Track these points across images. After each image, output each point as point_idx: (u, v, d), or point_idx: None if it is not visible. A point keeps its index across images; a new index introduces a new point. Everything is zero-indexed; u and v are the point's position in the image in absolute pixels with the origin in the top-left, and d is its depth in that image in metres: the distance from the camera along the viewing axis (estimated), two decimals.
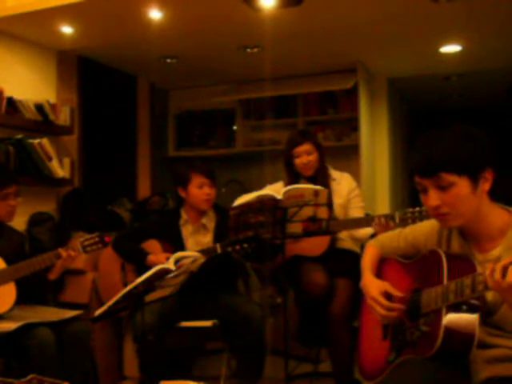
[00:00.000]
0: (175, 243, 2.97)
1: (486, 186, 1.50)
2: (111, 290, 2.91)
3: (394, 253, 1.85)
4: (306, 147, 3.01)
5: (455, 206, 1.49)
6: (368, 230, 2.83)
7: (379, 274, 1.85)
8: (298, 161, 3.02)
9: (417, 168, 1.53)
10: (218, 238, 2.99)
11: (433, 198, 1.50)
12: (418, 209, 2.62)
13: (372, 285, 1.76)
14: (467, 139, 1.50)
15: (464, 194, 1.48)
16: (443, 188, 1.48)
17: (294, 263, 2.91)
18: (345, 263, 2.92)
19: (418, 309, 1.57)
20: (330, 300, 2.79)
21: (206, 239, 3.02)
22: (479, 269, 1.46)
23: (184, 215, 3.04)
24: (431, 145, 1.52)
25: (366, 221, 2.80)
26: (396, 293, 1.68)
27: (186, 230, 3.04)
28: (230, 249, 2.74)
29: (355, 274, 2.80)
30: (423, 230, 1.75)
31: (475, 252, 1.57)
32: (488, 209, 1.53)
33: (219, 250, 2.78)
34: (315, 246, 2.89)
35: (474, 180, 1.48)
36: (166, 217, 3.16)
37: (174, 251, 2.88)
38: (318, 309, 2.83)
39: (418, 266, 1.70)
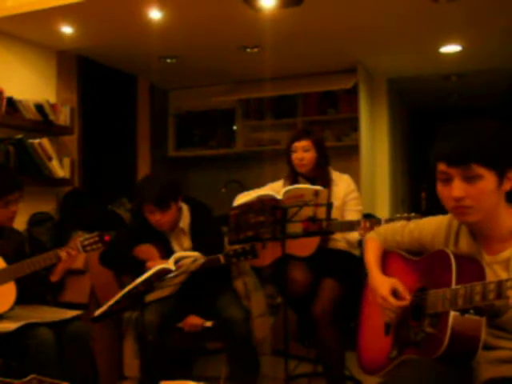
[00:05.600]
0: (163, 246, 2.94)
1: (507, 185, 1.48)
2: (106, 288, 2.90)
3: (397, 247, 1.82)
4: (303, 143, 3.01)
5: (479, 200, 1.46)
6: (357, 234, 2.81)
7: (383, 268, 1.81)
8: (294, 155, 3.03)
9: (447, 156, 1.48)
10: (194, 238, 2.94)
11: (458, 189, 1.46)
12: (405, 214, 2.63)
13: (381, 283, 1.72)
14: (503, 135, 1.48)
15: (489, 189, 1.45)
16: (470, 179, 1.44)
17: (282, 262, 2.89)
18: (334, 264, 2.90)
19: (423, 309, 1.56)
20: (314, 300, 2.78)
21: (186, 243, 2.97)
22: (487, 271, 1.45)
23: None
24: (466, 134, 1.48)
25: (353, 225, 2.79)
26: (405, 291, 1.64)
27: (169, 234, 2.97)
28: (234, 260, 2.64)
29: (344, 274, 2.83)
30: (431, 227, 1.71)
31: (483, 253, 1.55)
32: (503, 209, 1.51)
33: (222, 261, 2.64)
34: (304, 246, 2.87)
35: (501, 177, 1.46)
36: (147, 222, 2.94)
37: (164, 253, 2.87)
38: (305, 308, 2.82)
39: (424, 264, 1.67)
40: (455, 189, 1.46)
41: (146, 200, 2.81)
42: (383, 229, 1.93)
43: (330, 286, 2.81)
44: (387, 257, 1.85)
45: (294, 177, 3.07)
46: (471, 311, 1.41)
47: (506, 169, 1.46)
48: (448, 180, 1.48)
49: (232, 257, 2.64)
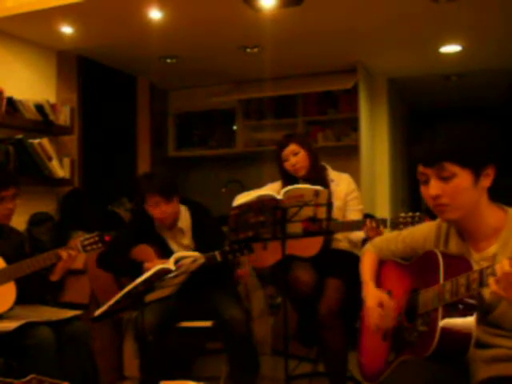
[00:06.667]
0: (160, 246, 2.95)
1: (486, 182, 1.51)
2: (105, 289, 2.89)
3: (393, 255, 1.87)
4: (291, 148, 2.99)
5: (455, 198, 1.49)
6: (361, 233, 2.82)
7: (378, 276, 1.86)
8: (287, 164, 3.01)
9: (421, 157, 1.53)
10: (196, 238, 2.96)
11: (434, 187, 1.50)
12: (410, 214, 2.63)
13: (371, 296, 1.78)
14: (476, 132, 1.51)
15: (465, 187, 1.48)
16: (445, 178, 1.48)
17: (285, 263, 2.88)
18: (337, 263, 2.90)
19: (416, 309, 1.58)
20: (319, 300, 2.78)
21: (185, 241, 2.98)
22: (475, 267, 1.46)
23: (157, 222, 2.98)
24: (438, 134, 1.52)
25: (357, 224, 2.79)
26: (390, 304, 1.70)
27: (166, 235, 2.99)
28: (230, 256, 2.67)
29: (348, 274, 2.83)
30: (422, 232, 1.76)
31: (472, 251, 1.57)
32: (485, 206, 1.54)
33: (219, 258, 2.69)
34: (308, 247, 2.86)
35: (477, 174, 1.48)
36: (144, 222, 3.01)
37: (162, 254, 2.87)
38: (309, 308, 2.82)
39: (415, 266, 1.71)
40: (431, 188, 1.51)
41: (152, 189, 2.83)
42: (378, 240, 1.98)
43: (335, 285, 2.81)
44: (383, 266, 1.89)
45: (290, 182, 2.98)
46: (460, 306, 1.44)
47: (481, 166, 1.49)
48: (427, 181, 1.53)
49: (228, 253, 2.66)
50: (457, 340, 1.44)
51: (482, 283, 1.34)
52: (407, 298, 1.66)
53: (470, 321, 1.44)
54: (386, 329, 1.71)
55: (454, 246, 1.63)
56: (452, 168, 1.47)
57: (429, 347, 1.45)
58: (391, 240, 1.89)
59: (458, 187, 1.48)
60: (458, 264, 1.51)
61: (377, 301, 1.73)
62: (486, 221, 1.54)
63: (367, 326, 1.85)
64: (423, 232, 1.75)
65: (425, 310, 1.53)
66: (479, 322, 1.46)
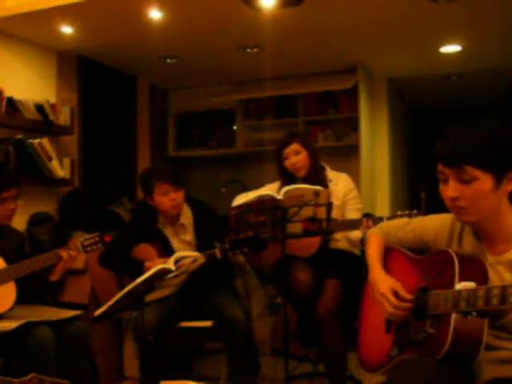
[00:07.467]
0: (162, 244, 2.96)
1: (509, 186, 1.46)
2: (106, 288, 2.89)
3: (399, 243, 1.81)
4: (293, 147, 3.00)
5: (473, 201, 1.45)
6: (359, 232, 2.82)
7: (385, 265, 1.80)
8: (287, 162, 3.01)
9: (442, 156, 1.48)
10: (198, 234, 2.98)
11: (452, 189, 1.46)
12: (407, 212, 2.63)
13: (383, 281, 1.70)
14: (501, 136, 1.46)
15: (485, 191, 1.44)
16: (465, 181, 1.44)
17: (284, 262, 2.88)
18: (336, 263, 2.90)
19: (425, 309, 1.54)
20: (318, 300, 2.78)
21: (187, 237, 3.00)
22: (491, 271, 1.44)
23: (161, 218, 3.01)
24: (462, 135, 1.47)
25: (354, 223, 2.79)
26: (406, 294, 1.62)
27: (168, 231, 3.01)
28: (229, 253, 2.68)
29: (346, 274, 2.83)
30: (434, 224, 1.70)
31: (487, 253, 1.53)
32: (506, 210, 1.49)
33: (219, 256, 2.70)
34: (306, 247, 2.87)
35: (498, 179, 1.43)
36: (145, 220, 3.06)
37: (164, 252, 2.88)
38: (308, 308, 2.81)
39: (427, 263, 1.65)
40: (450, 189, 1.47)
41: (163, 177, 2.89)
42: (386, 225, 1.91)
43: (334, 285, 2.81)
44: (389, 254, 1.83)
45: (289, 182, 3.00)
46: (473, 313, 1.40)
47: (505, 170, 1.44)
48: (446, 180, 1.49)
49: (228, 250, 2.67)
50: (467, 345, 1.42)
51: (504, 301, 1.28)
52: (415, 295, 1.62)
53: (481, 327, 1.41)
54: (398, 320, 1.65)
55: (469, 244, 1.58)
56: (473, 172, 1.42)
57: (439, 352, 1.43)
58: (400, 227, 1.82)
59: (477, 191, 1.43)
60: (473, 268, 1.47)
61: (390, 287, 1.65)
62: (506, 224, 1.49)
63: (371, 313, 1.82)
64: (435, 225, 1.69)
65: (435, 312, 1.49)
66: (488, 325, 1.43)
